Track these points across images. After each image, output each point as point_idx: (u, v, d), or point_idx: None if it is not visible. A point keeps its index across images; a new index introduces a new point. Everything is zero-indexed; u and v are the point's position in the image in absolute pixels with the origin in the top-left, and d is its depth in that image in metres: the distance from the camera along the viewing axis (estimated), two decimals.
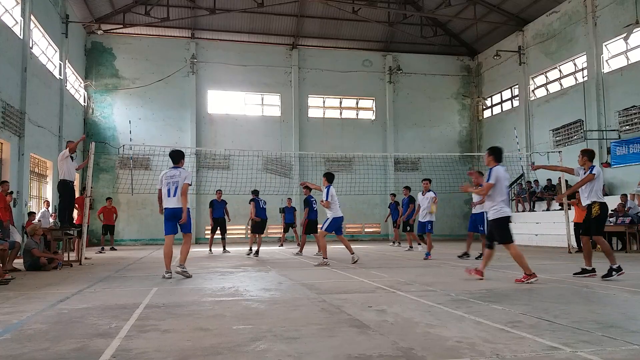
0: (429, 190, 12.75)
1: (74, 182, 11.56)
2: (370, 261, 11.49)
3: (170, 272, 8.16)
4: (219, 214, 15.73)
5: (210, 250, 15.93)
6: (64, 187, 11.15)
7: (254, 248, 13.73)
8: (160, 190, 8.08)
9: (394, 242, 19.09)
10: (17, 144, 14.94)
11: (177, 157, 8.48)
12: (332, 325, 4.37)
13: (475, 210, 11.48)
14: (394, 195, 19.09)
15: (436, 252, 14.90)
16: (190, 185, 8.41)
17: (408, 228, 16.19)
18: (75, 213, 12.96)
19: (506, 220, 7.31)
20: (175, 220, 8.20)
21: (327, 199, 10.60)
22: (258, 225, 13.92)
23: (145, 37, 24.26)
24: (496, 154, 7.54)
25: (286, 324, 4.40)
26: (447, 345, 3.61)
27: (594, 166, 7.82)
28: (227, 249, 15.95)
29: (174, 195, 8.15)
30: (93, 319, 4.74)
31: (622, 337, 3.77)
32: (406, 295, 5.99)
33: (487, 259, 7.60)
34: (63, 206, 11.34)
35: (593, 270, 7.71)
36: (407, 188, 16.33)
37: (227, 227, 16.27)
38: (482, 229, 10.97)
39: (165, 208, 8.16)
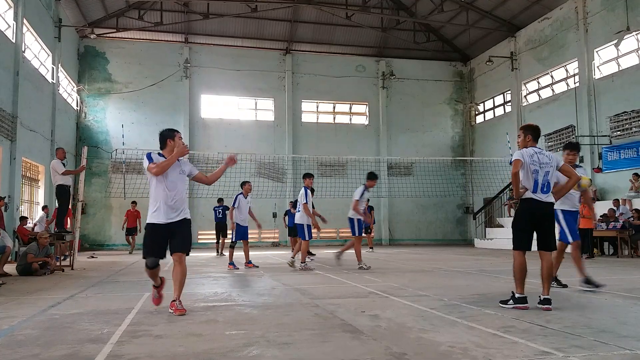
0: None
1: (70, 187, 11.55)
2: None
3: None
4: (219, 219, 17.01)
5: (218, 253, 16.97)
6: (61, 192, 11.12)
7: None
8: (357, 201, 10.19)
9: (371, 248, 18.97)
10: (8, 148, 14.84)
11: (372, 177, 10.86)
12: (325, 330, 4.36)
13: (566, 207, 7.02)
14: (367, 200, 18.83)
15: (430, 257, 14.93)
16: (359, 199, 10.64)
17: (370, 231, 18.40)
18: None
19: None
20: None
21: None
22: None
23: (138, 41, 24.22)
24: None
25: (279, 329, 4.39)
26: (440, 350, 3.62)
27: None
28: (222, 252, 16.30)
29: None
30: (85, 325, 4.71)
31: (614, 342, 3.79)
32: (399, 300, 6.00)
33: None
34: (61, 211, 11.29)
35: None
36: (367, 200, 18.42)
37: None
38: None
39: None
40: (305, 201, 10.48)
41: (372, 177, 10.92)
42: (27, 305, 6.02)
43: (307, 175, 10.87)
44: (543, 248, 5.51)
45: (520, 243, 5.45)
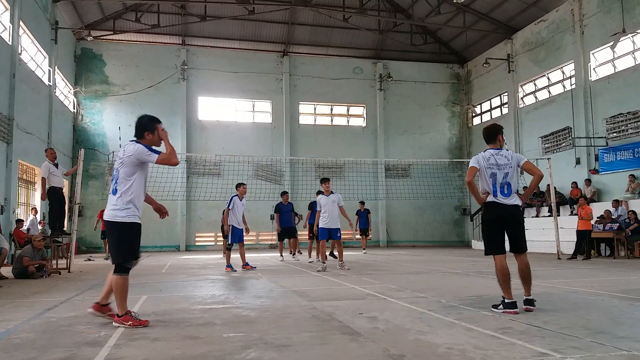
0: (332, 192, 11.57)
1: (62, 189, 11.46)
2: (361, 268, 11.48)
3: None
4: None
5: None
6: (53, 195, 11.05)
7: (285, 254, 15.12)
8: None
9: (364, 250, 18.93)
10: (5, 151, 14.81)
11: None
12: (323, 332, 4.36)
13: None
14: (362, 203, 18.70)
15: (427, 259, 14.93)
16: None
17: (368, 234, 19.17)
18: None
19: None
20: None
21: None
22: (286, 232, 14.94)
23: (135, 43, 24.20)
24: None
25: (277, 332, 4.39)
26: (438, 352, 3.62)
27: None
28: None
29: None
30: (81, 328, 4.69)
31: (611, 343, 3.79)
32: (397, 302, 6.00)
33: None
34: (53, 214, 11.23)
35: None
36: (362, 202, 18.55)
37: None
38: None
39: None
40: (318, 208, 11.37)
41: None
42: (23, 308, 6.00)
43: (322, 180, 11.61)
44: (515, 250, 5.47)
45: (492, 248, 5.43)
